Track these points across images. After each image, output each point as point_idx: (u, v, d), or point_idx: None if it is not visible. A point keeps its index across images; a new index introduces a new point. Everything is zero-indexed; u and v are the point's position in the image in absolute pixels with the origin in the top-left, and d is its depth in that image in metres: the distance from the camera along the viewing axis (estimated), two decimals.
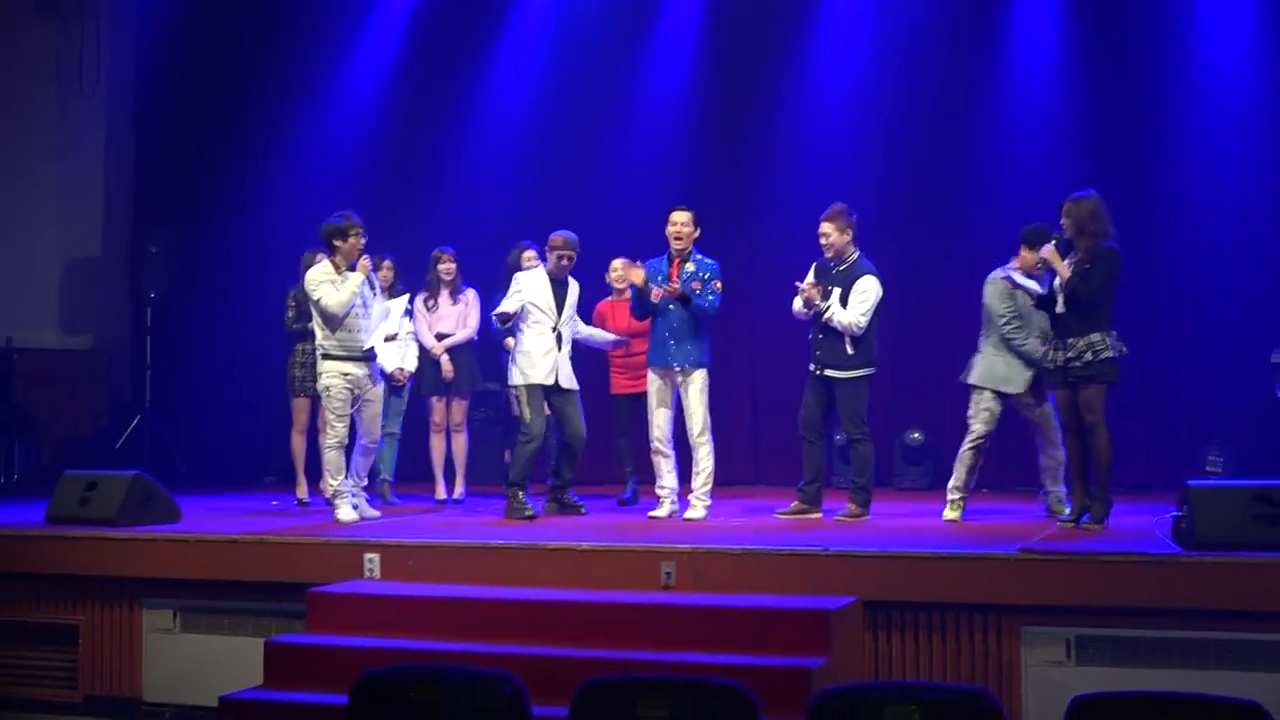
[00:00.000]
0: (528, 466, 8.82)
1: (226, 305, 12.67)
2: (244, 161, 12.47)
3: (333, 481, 8.57)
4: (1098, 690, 4.47)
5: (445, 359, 10.04)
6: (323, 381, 8.62)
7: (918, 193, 11.23)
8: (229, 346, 12.63)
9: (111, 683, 8.07)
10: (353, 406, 8.64)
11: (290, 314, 9.77)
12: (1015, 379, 8.15)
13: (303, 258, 9.72)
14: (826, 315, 8.19)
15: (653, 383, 8.62)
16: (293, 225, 11.61)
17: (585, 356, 9.37)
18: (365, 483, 8.87)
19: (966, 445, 8.37)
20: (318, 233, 8.63)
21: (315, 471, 9.45)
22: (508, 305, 8.85)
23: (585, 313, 9.53)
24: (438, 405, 10.18)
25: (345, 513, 8.56)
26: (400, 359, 9.80)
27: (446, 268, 10.08)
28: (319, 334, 8.66)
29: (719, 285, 8.54)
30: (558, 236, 8.88)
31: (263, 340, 11.76)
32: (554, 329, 8.78)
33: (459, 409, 10.19)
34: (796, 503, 8.50)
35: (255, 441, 12.37)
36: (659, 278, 8.53)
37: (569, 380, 8.81)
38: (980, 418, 8.19)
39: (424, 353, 10.05)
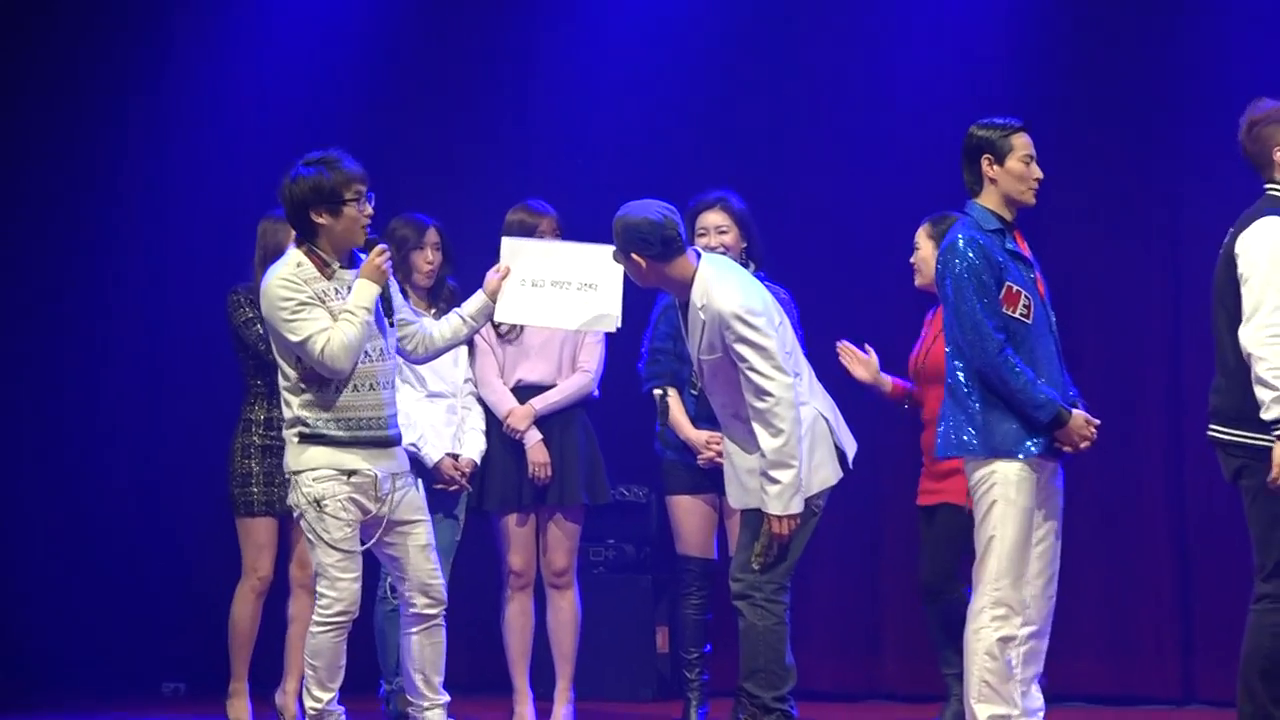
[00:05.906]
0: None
1: (105, 324, 12.03)
2: (123, 67, 11.92)
3: (319, 695, 7.99)
4: None
5: (534, 438, 9.13)
6: (308, 488, 7.90)
7: None
8: (100, 406, 12.02)
9: None
10: (369, 539, 8.09)
11: (254, 329, 9.11)
12: None
13: (260, 226, 9.36)
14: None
15: None
16: (233, 177, 11.32)
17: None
18: (445, 696, 8.27)
19: None
20: (276, 195, 8.18)
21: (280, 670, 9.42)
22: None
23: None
24: (518, 534, 9.23)
25: None
26: (451, 437, 9.24)
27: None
28: (291, 398, 8.12)
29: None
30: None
31: (171, 392, 11.64)
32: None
33: (562, 543, 9.32)
34: None
35: (146, 610, 11.79)
36: None
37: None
38: None
39: (492, 424, 9.33)
